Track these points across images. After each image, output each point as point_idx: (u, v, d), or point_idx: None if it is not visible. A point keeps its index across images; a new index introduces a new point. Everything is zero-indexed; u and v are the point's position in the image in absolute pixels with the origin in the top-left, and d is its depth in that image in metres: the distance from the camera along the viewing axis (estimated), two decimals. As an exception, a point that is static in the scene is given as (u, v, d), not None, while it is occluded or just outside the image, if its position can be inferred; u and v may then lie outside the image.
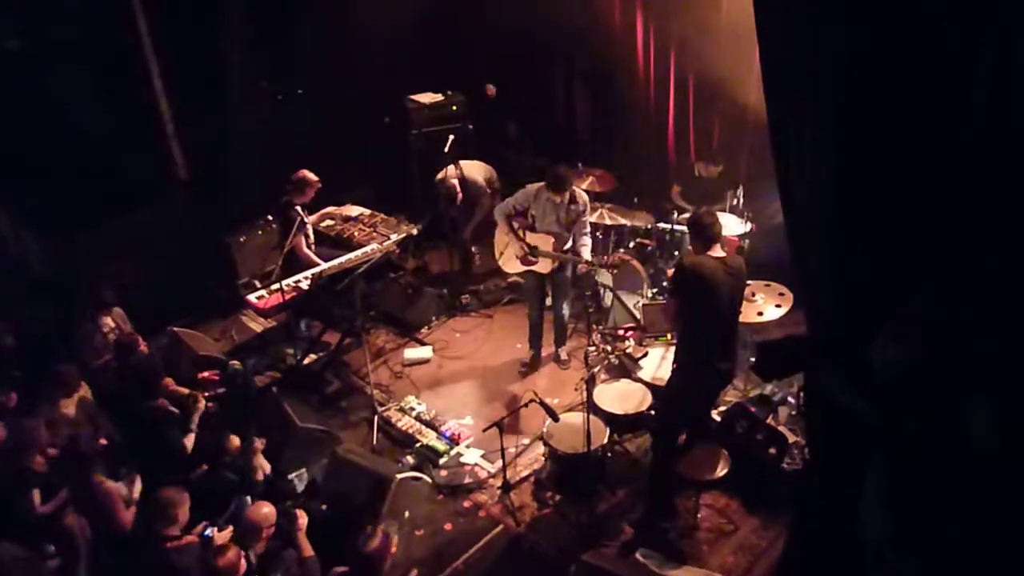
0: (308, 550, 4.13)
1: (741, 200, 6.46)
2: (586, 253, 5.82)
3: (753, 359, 5.43)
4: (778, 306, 5.26)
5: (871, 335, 2.09)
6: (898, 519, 1.94)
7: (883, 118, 2.05)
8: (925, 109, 1.94)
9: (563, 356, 6.40)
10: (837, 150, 2.18)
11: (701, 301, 4.27)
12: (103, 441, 4.66)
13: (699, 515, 4.82)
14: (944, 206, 1.95)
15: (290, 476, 5.06)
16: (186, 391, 5.21)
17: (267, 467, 4.79)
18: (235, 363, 5.74)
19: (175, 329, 6.22)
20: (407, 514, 4.89)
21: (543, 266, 5.95)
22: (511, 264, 6.14)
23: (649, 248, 6.87)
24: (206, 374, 5.48)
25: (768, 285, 5.47)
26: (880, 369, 1.95)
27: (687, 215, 6.17)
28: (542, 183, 5.73)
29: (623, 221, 6.67)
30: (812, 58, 2.23)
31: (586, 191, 6.64)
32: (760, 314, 5.21)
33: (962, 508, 1.89)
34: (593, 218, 6.41)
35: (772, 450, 4.96)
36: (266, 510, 3.89)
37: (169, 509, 3.85)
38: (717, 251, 4.34)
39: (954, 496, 1.87)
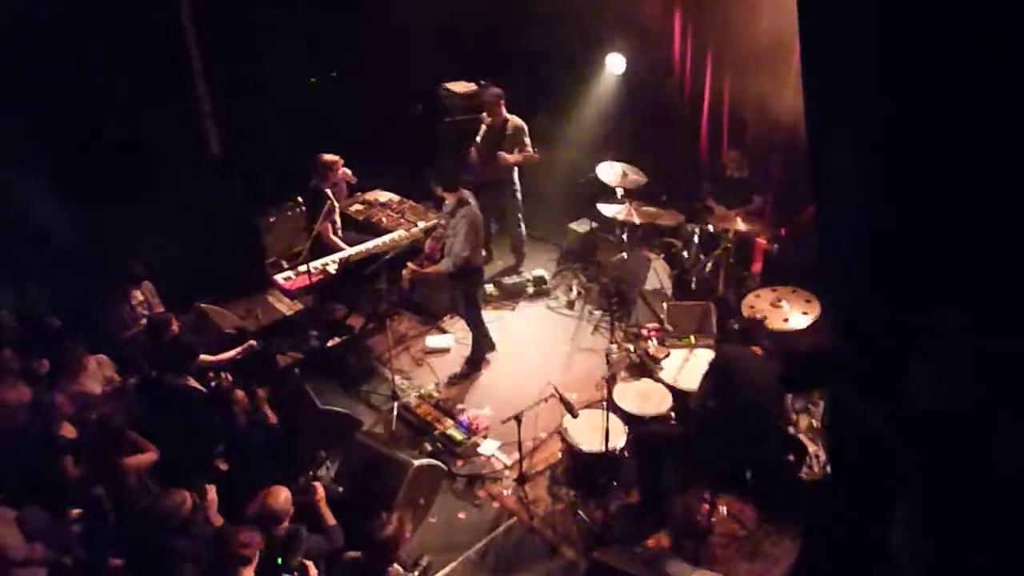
0: (331, 519, 4.23)
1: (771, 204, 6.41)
2: (443, 264, 5.86)
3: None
4: (805, 313, 5.21)
5: (900, 356, 2.08)
6: (923, 541, 1.93)
7: (928, 136, 2.01)
8: (974, 130, 1.89)
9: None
10: (876, 179, 2.15)
11: (730, 390, 4.44)
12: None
13: (713, 519, 4.81)
14: (987, 237, 1.91)
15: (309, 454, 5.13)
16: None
17: (273, 416, 4.93)
18: (252, 343, 5.78)
19: (201, 305, 6.30)
20: (422, 501, 4.94)
21: None
22: None
23: (675, 248, 6.83)
24: (231, 353, 5.54)
25: (795, 291, 5.42)
26: (911, 396, 1.93)
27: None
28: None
29: (651, 220, 6.62)
30: (856, 70, 2.19)
31: (616, 187, 6.65)
32: (786, 320, 5.18)
33: (987, 533, 1.88)
34: (621, 215, 6.40)
35: (789, 456, 4.93)
36: (284, 495, 3.95)
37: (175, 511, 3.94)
38: (756, 351, 4.56)
39: (979, 521, 1.85)
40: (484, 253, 5.98)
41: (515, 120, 6.99)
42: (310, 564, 3.94)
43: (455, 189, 5.81)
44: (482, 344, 6.35)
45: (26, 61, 6.26)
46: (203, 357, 5.31)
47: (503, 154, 6.89)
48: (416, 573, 4.51)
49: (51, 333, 5.57)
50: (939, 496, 1.87)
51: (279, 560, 3.86)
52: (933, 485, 1.89)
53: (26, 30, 6.36)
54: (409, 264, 6.12)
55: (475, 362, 6.34)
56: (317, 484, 4.35)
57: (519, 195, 7.23)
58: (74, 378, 4.94)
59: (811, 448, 4.88)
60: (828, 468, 4.67)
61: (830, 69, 2.27)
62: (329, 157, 6.48)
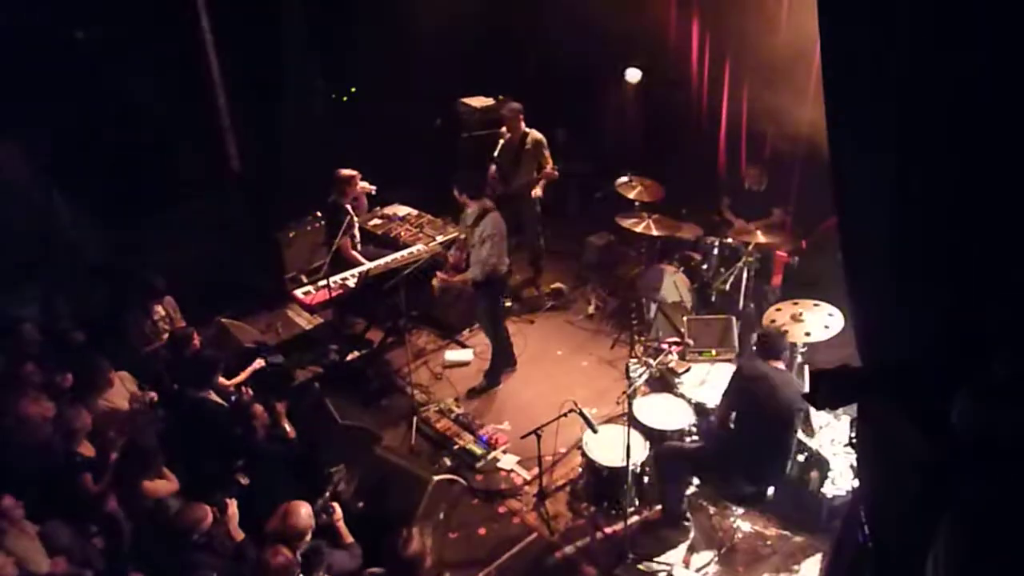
0: (349, 536, 4.23)
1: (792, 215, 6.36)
2: (470, 273, 5.88)
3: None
4: (826, 327, 5.15)
5: (931, 371, 2.04)
6: (954, 565, 1.89)
7: (952, 155, 1.97)
8: (1003, 149, 1.85)
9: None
10: (899, 187, 2.11)
11: (750, 405, 4.44)
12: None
13: (736, 536, 4.75)
14: (1014, 258, 1.86)
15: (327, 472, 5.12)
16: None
17: (292, 431, 4.95)
18: (260, 362, 5.80)
19: (222, 320, 6.33)
20: (441, 516, 4.91)
21: None
22: None
23: (695, 261, 6.78)
24: (241, 376, 5.54)
25: (816, 304, 5.35)
26: (956, 428, 1.87)
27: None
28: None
29: (670, 233, 6.58)
30: (876, 74, 2.16)
31: (634, 200, 6.62)
32: (808, 334, 5.12)
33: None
34: (639, 228, 6.37)
35: (813, 473, 4.87)
36: (305, 510, 3.92)
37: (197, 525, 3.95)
38: (778, 364, 4.52)
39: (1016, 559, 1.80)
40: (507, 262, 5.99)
41: (534, 134, 7.00)
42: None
43: (481, 197, 5.83)
44: (502, 357, 6.33)
45: (45, 68, 6.28)
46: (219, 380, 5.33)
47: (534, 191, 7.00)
48: (437, 590, 4.48)
49: (74, 347, 5.61)
50: (974, 519, 1.83)
51: (300, 576, 3.84)
52: (970, 509, 1.84)
53: (54, 37, 6.44)
54: (439, 273, 6.17)
55: (494, 376, 6.32)
56: (335, 504, 4.34)
57: (539, 208, 7.23)
58: (101, 394, 4.97)
59: (835, 464, 4.81)
60: (853, 484, 4.61)
61: (850, 73, 2.24)
62: (347, 172, 6.51)
